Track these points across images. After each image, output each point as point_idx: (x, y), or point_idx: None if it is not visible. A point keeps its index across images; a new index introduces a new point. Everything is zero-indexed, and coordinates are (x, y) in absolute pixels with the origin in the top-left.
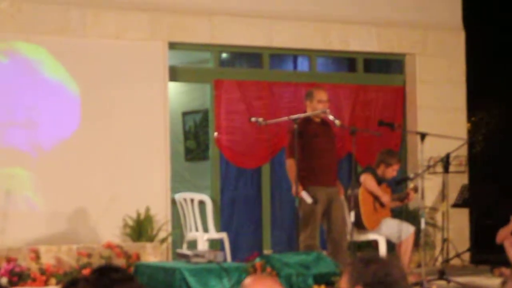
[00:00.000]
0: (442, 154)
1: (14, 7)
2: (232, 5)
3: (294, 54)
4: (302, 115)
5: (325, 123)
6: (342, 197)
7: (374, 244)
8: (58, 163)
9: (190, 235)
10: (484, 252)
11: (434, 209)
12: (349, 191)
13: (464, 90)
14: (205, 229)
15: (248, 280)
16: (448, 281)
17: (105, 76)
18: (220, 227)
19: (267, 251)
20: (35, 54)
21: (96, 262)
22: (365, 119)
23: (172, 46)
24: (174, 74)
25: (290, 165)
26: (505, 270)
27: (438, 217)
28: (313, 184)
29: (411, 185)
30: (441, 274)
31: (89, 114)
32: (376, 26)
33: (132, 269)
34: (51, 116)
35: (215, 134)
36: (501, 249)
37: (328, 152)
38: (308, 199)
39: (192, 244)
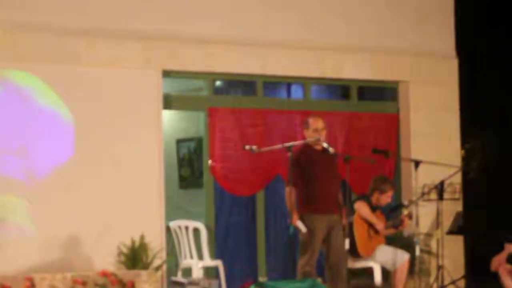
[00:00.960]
0: (436, 181)
1: (7, 35)
2: (226, 33)
3: (288, 82)
4: (296, 143)
5: (326, 151)
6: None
7: (369, 272)
8: (52, 191)
9: (185, 262)
10: (479, 279)
11: (428, 236)
12: (344, 219)
13: (457, 117)
14: (200, 257)
15: None
16: None
17: (99, 104)
18: (214, 255)
19: (262, 278)
20: (28, 82)
21: None
22: (359, 147)
23: (166, 74)
24: (168, 102)
25: (288, 193)
26: None
27: (433, 244)
28: (313, 211)
29: (405, 211)
30: None
31: (83, 142)
32: (370, 54)
33: None
34: (44, 144)
35: (209, 161)
36: (496, 276)
37: (328, 179)
38: (303, 229)
39: (187, 272)
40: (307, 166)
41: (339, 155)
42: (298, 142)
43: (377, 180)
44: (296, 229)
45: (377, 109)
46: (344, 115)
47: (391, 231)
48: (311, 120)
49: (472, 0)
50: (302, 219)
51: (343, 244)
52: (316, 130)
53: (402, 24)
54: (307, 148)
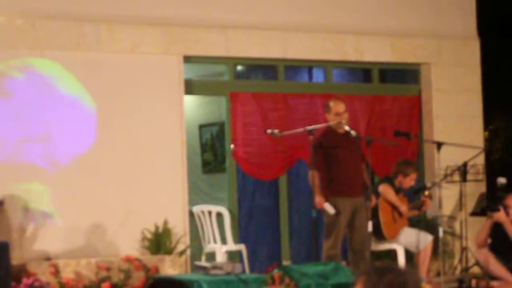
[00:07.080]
0: (459, 162)
1: (28, 23)
2: (247, 17)
3: (309, 66)
4: (317, 126)
5: (348, 133)
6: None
7: (393, 254)
8: (75, 177)
9: (209, 247)
10: (503, 261)
11: (452, 217)
12: (367, 202)
13: (480, 98)
14: (223, 241)
15: None
16: None
17: (120, 90)
18: (238, 239)
19: (285, 262)
20: (50, 69)
21: (115, 275)
22: (381, 129)
23: (188, 59)
24: (190, 87)
25: (312, 176)
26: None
27: (457, 226)
28: (337, 194)
29: (426, 192)
30: (460, 283)
31: (105, 128)
32: (391, 36)
33: (151, 282)
34: (67, 131)
35: (232, 146)
36: None
37: (351, 162)
38: (331, 210)
39: (211, 256)
40: (330, 149)
41: (362, 138)
42: (320, 126)
43: (401, 163)
44: (324, 212)
45: (399, 91)
46: (366, 98)
47: (414, 212)
48: (332, 104)
49: None
50: (327, 201)
51: (367, 227)
52: (337, 114)
53: (423, 6)
54: (329, 131)
